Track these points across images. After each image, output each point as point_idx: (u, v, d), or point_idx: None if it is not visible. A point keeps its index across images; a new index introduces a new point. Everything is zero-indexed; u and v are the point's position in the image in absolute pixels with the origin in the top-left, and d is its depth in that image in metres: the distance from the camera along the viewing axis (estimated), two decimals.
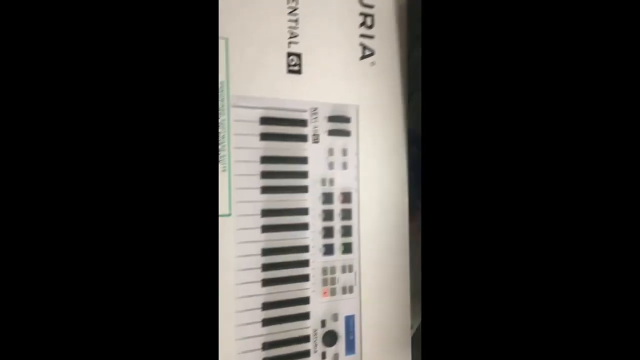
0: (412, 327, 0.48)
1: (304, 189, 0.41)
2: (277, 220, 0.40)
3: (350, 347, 0.42)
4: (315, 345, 0.41)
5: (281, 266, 0.40)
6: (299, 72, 0.41)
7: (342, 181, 0.43)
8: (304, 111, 0.41)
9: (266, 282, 0.39)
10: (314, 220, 0.41)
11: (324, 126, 0.42)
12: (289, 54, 0.40)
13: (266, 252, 0.39)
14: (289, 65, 0.40)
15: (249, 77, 0.38)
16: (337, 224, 0.43)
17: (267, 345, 0.38)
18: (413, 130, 0.48)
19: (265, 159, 0.39)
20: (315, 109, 0.42)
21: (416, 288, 0.48)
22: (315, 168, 0.42)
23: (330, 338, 0.42)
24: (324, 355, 0.41)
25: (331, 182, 0.42)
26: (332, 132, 0.42)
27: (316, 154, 0.42)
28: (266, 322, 0.39)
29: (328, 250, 0.42)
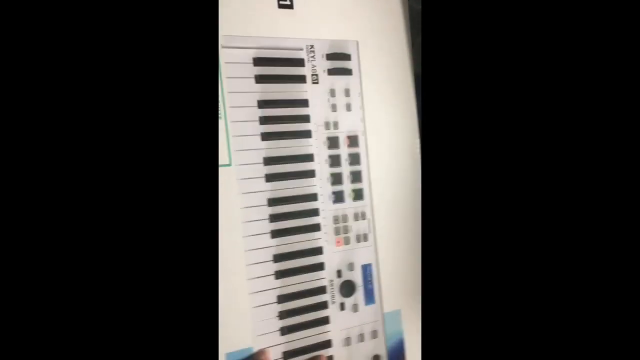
0: None
1: (307, 134, 0.38)
2: (281, 168, 0.37)
3: (369, 297, 0.41)
4: (333, 297, 0.39)
5: (290, 216, 0.37)
6: (290, 6, 0.37)
7: (347, 124, 0.40)
8: (300, 49, 0.38)
9: (275, 234, 0.37)
10: (321, 166, 0.39)
11: (322, 65, 0.39)
12: None
13: (272, 202, 0.37)
14: (279, 0, 0.37)
15: (237, 15, 0.35)
16: (345, 169, 0.40)
17: (282, 298, 0.37)
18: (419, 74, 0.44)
19: (263, 103, 0.37)
20: (312, 46, 0.39)
21: None
22: (317, 111, 0.39)
23: (347, 288, 0.40)
24: (342, 306, 0.39)
25: (335, 125, 0.40)
26: (332, 71, 0.39)
27: (317, 96, 0.39)
28: (279, 275, 0.37)
29: (338, 197, 0.40)
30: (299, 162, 0.38)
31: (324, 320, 0.39)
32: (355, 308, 0.40)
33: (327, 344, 0.39)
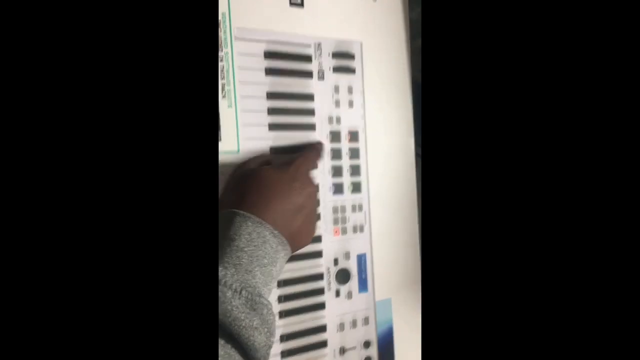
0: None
1: (311, 127, 0.40)
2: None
3: (363, 285, 0.43)
4: (329, 283, 0.41)
5: None
6: (301, 4, 0.39)
7: (348, 120, 0.42)
8: (308, 46, 0.40)
9: None
10: (323, 159, 0.41)
11: (328, 62, 0.41)
12: None
13: None
14: None
15: (251, 9, 0.37)
16: (345, 162, 0.42)
17: (281, 283, 0.38)
18: (417, 80, 0.47)
19: (271, 95, 0.38)
20: (319, 44, 0.40)
21: None
22: (322, 106, 0.41)
23: (343, 276, 0.42)
24: (337, 292, 0.41)
25: (338, 120, 0.42)
26: (336, 69, 0.41)
27: (322, 91, 0.41)
28: None
29: (338, 189, 0.42)
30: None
31: (321, 306, 0.40)
32: (349, 295, 0.42)
33: (322, 328, 0.40)
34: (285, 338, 0.38)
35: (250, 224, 0.29)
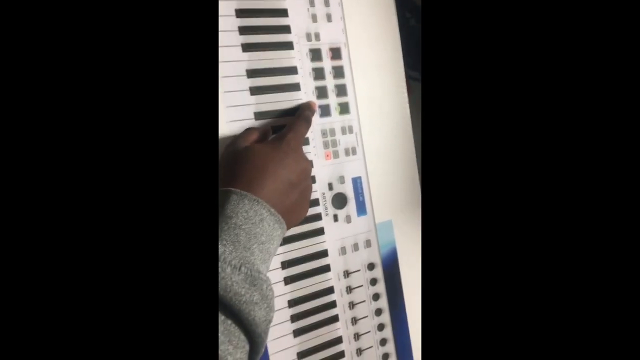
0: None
1: (288, 45, 0.38)
2: (265, 81, 0.37)
3: (361, 208, 0.42)
4: (326, 209, 0.40)
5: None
6: None
7: (328, 35, 0.39)
8: None
9: None
10: (305, 79, 0.39)
11: None
12: None
13: (259, 115, 0.37)
14: None
15: None
16: (329, 82, 0.40)
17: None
18: None
19: (241, 12, 0.35)
20: None
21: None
22: (297, 21, 0.38)
23: (339, 200, 0.41)
24: (335, 217, 0.41)
25: (317, 36, 0.39)
26: None
27: (296, 5, 0.38)
28: None
29: (324, 111, 0.40)
30: (283, 74, 0.38)
31: (319, 231, 0.40)
32: (348, 219, 0.41)
33: (323, 253, 0.40)
34: (286, 264, 0.38)
35: (247, 201, 0.29)
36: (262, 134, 0.35)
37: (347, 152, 0.41)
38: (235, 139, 0.34)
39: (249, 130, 0.35)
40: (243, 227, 0.28)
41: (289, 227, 0.32)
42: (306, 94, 0.39)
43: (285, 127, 0.35)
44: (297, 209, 0.34)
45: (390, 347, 0.42)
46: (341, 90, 0.40)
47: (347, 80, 0.40)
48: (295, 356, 0.38)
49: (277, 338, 0.37)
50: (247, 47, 0.36)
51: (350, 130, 0.41)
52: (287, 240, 0.38)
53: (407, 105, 0.44)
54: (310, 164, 0.35)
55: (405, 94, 0.44)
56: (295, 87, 0.38)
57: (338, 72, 0.40)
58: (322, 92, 0.39)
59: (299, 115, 0.36)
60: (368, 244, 0.42)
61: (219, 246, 0.27)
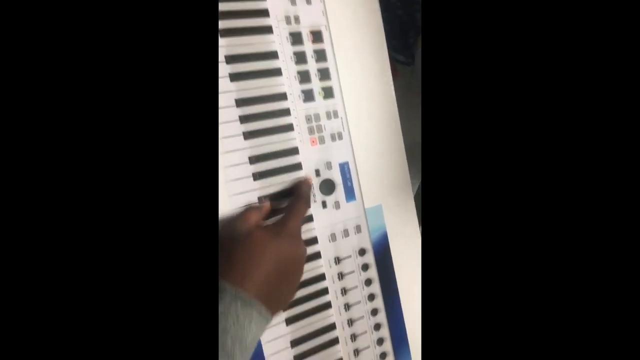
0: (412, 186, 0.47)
1: (267, 30, 0.37)
2: (245, 66, 0.36)
3: (350, 194, 0.41)
4: (314, 195, 0.39)
5: (260, 117, 0.37)
6: None
7: (308, 18, 0.38)
8: None
9: (248, 135, 0.36)
10: (287, 64, 0.38)
11: None
12: None
13: (241, 102, 0.36)
14: None
15: None
16: (312, 66, 0.39)
17: (262, 199, 0.37)
18: None
19: None
20: None
21: (411, 142, 0.46)
22: (276, 4, 0.37)
23: (327, 186, 0.40)
24: (324, 204, 0.40)
25: (296, 19, 0.38)
26: None
27: None
28: (257, 176, 0.37)
29: (308, 96, 0.39)
30: (264, 59, 0.37)
31: (308, 219, 0.39)
32: (337, 205, 0.41)
33: (313, 240, 0.39)
34: None
35: (239, 304, 0.28)
36: (263, 214, 0.35)
37: (333, 138, 0.40)
38: (234, 217, 0.34)
39: (249, 210, 0.34)
40: (230, 332, 0.27)
41: (273, 314, 0.31)
42: (288, 79, 0.38)
43: (286, 210, 0.35)
44: (286, 297, 0.34)
45: (385, 332, 0.42)
46: (324, 74, 0.40)
47: (329, 64, 0.40)
48: (288, 344, 0.38)
49: (270, 327, 0.37)
50: (225, 33, 0.35)
51: (336, 114, 0.40)
52: None
53: (392, 88, 0.44)
54: (305, 250, 0.35)
55: (390, 76, 0.44)
56: (276, 72, 0.37)
57: (320, 55, 0.39)
58: (304, 77, 0.39)
59: (298, 197, 0.36)
60: (358, 229, 0.42)
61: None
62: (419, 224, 0.45)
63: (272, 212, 0.36)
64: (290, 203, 0.36)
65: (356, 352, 0.41)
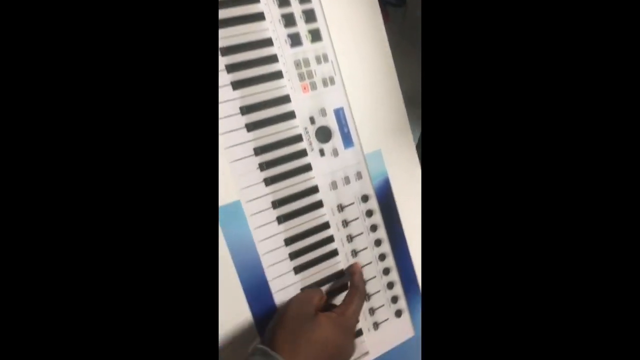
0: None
1: None
2: (226, 13, 0.34)
3: (347, 140, 0.40)
4: (310, 144, 0.39)
5: (246, 65, 0.35)
6: None
7: None
8: None
9: (236, 85, 0.35)
10: (269, 7, 0.36)
11: None
12: None
13: (225, 51, 0.34)
14: None
15: None
16: (296, 8, 0.37)
17: (259, 150, 0.36)
18: None
19: None
20: None
21: (410, 89, 0.45)
22: None
23: (323, 134, 0.39)
24: (322, 152, 0.39)
25: None
26: None
27: None
28: (251, 127, 0.36)
29: (295, 40, 0.37)
30: (244, 4, 0.35)
31: (306, 168, 0.38)
32: (335, 152, 0.40)
33: (314, 189, 0.39)
34: (277, 204, 0.37)
35: None
36: (324, 300, 0.37)
37: (325, 83, 0.39)
38: (298, 299, 0.36)
39: (311, 293, 0.37)
40: None
41: None
42: (272, 23, 0.36)
43: (345, 300, 0.37)
44: None
45: (394, 276, 0.42)
46: (309, 16, 0.38)
47: (314, 4, 0.38)
48: (299, 291, 0.38)
49: (279, 276, 0.37)
50: None
51: (326, 58, 0.39)
52: (273, 180, 0.37)
53: (382, 28, 0.42)
54: (355, 347, 0.38)
55: (380, 17, 0.41)
56: (259, 16, 0.36)
57: None
58: (289, 20, 0.37)
59: (356, 288, 0.38)
60: (359, 175, 0.41)
61: None
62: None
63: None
64: (348, 296, 0.38)
65: (367, 297, 0.41)
